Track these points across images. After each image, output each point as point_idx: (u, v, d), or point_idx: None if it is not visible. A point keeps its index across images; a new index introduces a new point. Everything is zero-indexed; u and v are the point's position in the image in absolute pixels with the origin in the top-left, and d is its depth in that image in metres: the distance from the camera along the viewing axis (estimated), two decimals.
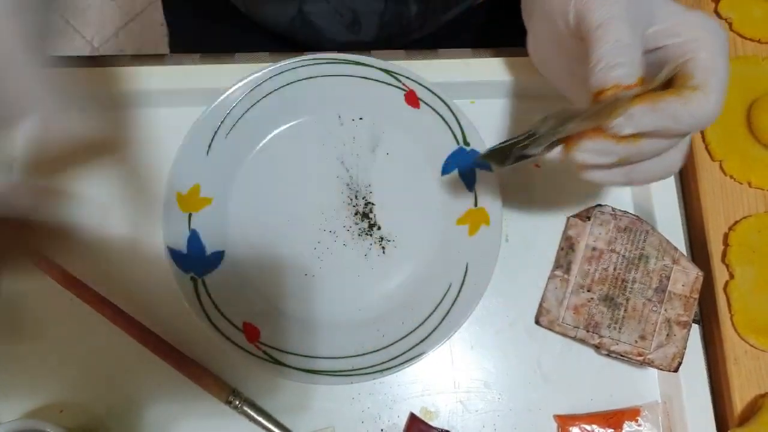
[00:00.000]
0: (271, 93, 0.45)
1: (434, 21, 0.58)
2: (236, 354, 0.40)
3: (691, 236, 0.48)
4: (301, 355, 0.41)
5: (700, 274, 0.43)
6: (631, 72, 0.31)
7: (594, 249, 0.45)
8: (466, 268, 0.43)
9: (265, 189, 0.46)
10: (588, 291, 0.44)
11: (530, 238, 0.47)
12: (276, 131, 0.46)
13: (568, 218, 0.46)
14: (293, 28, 0.57)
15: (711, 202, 0.47)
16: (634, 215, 0.45)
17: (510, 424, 0.43)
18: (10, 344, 0.43)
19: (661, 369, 0.42)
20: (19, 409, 0.41)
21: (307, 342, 0.42)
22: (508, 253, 0.46)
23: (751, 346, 0.44)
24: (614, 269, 0.44)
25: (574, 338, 0.44)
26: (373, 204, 0.46)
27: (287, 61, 0.45)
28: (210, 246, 0.43)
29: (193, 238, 0.43)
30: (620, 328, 0.43)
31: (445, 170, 0.46)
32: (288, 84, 0.45)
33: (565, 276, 0.45)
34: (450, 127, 0.45)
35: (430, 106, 0.45)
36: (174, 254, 0.42)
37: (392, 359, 0.41)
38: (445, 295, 0.43)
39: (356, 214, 0.46)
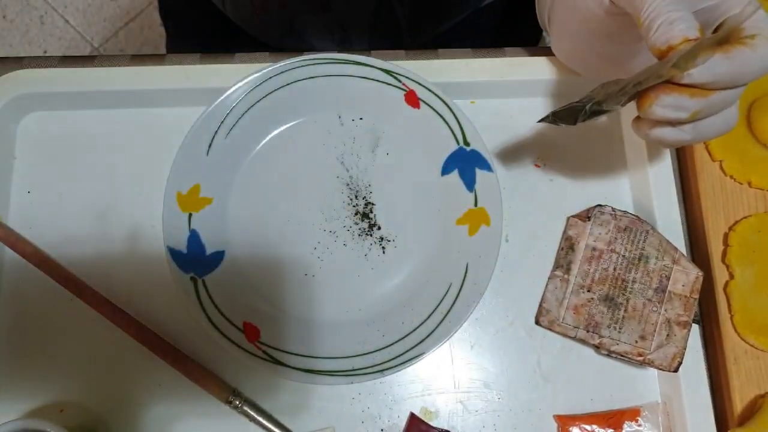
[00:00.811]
0: (271, 93, 0.45)
1: (425, 36, 0.58)
2: (236, 354, 0.40)
3: (691, 236, 0.48)
4: (301, 355, 0.41)
5: (700, 274, 0.43)
6: (692, 24, 0.32)
7: (594, 249, 0.45)
8: (466, 268, 0.43)
9: (265, 189, 0.46)
10: (588, 291, 0.44)
11: (530, 238, 0.47)
12: (276, 131, 0.46)
13: (568, 218, 0.46)
14: (285, 44, 0.57)
15: (711, 202, 0.47)
16: (634, 215, 0.45)
17: (510, 424, 0.43)
18: (10, 344, 0.43)
19: (661, 369, 0.42)
20: (19, 409, 0.41)
21: (307, 342, 0.42)
22: (508, 253, 0.46)
23: (751, 346, 0.44)
24: (614, 269, 0.44)
25: (574, 338, 0.44)
26: (373, 204, 0.46)
27: (287, 61, 0.45)
28: (210, 246, 0.43)
29: (193, 238, 0.43)
30: (620, 328, 0.43)
31: (445, 170, 0.46)
32: (288, 84, 0.45)
33: (565, 276, 0.45)
34: (450, 127, 0.45)
35: (430, 106, 0.45)
36: (174, 254, 0.42)
37: (392, 359, 0.41)
38: (445, 295, 0.43)
39: (356, 214, 0.46)
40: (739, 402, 0.43)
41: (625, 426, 0.43)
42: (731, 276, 0.45)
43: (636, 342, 0.43)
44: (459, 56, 0.48)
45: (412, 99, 0.45)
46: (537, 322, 0.45)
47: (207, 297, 0.42)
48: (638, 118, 0.35)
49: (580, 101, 0.36)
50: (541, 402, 0.44)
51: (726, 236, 0.46)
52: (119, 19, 1.40)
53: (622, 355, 0.43)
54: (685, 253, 0.45)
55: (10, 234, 0.44)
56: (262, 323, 0.42)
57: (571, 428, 0.43)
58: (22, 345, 0.43)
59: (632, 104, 0.35)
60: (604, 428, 0.43)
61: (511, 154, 0.48)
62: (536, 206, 0.47)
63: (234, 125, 0.45)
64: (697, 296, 0.43)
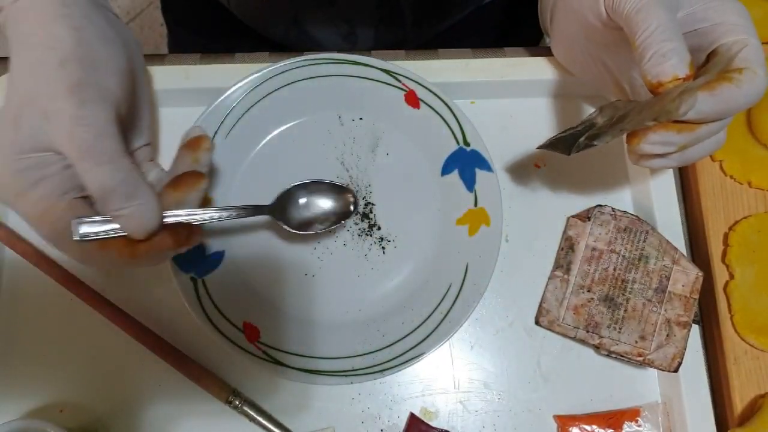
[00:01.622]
0: (271, 93, 0.45)
1: (430, 30, 0.58)
2: (236, 354, 0.40)
3: (691, 236, 0.48)
4: (301, 355, 0.41)
5: (700, 274, 0.43)
6: (683, 58, 0.33)
7: (594, 249, 0.45)
8: (466, 268, 0.43)
9: (265, 189, 0.45)
10: (588, 291, 0.44)
11: (530, 238, 0.47)
12: (276, 131, 0.46)
13: (568, 218, 0.46)
14: (289, 38, 0.57)
15: (711, 202, 0.47)
16: (634, 215, 0.45)
17: (510, 424, 0.43)
18: (10, 344, 0.43)
19: (661, 369, 0.42)
20: (19, 409, 0.41)
21: (307, 342, 0.42)
22: (508, 253, 0.46)
23: (751, 346, 0.44)
24: (614, 269, 0.44)
25: (574, 338, 0.44)
26: (373, 204, 0.46)
27: (287, 61, 0.45)
28: (210, 246, 0.43)
29: None
30: (620, 329, 0.43)
31: (445, 170, 0.46)
32: (288, 84, 0.45)
33: (565, 276, 0.45)
34: (450, 127, 0.45)
35: (430, 106, 0.45)
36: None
37: (392, 359, 0.41)
38: (445, 295, 0.43)
39: (356, 214, 0.46)
40: (739, 402, 0.43)
41: (625, 426, 0.43)
42: (731, 276, 0.45)
43: (636, 342, 0.43)
44: (459, 56, 0.48)
45: (412, 99, 0.45)
46: (537, 322, 0.45)
47: (207, 297, 0.42)
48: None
49: (577, 128, 0.37)
50: (541, 402, 0.44)
51: (726, 236, 0.46)
52: None
53: (622, 355, 0.43)
54: (685, 253, 0.45)
55: (10, 234, 0.44)
56: (262, 323, 0.42)
57: (571, 428, 0.43)
58: (22, 345, 0.43)
59: None
60: (604, 428, 0.43)
61: (511, 154, 0.48)
62: (536, 206, 0.47)
63: (234, 125, 0.45)
64: (697, 296, 0.43)
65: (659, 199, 0.46)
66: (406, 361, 0.41)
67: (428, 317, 0.43)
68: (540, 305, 0.45)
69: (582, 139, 0.36)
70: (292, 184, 0.42)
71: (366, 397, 0.43)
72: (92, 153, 0.30)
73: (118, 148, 0.31)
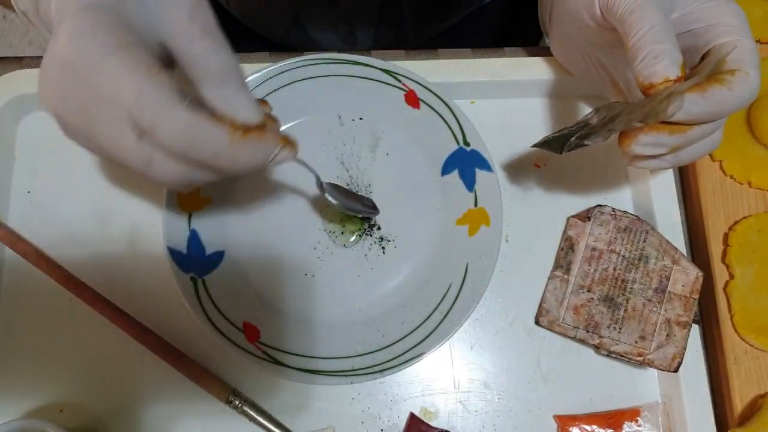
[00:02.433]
0: (270, 93, 0.45)
1: (430, 31, 0.58)
2: (236, 354, 0.40)
3: (691, 236, 0.48)
4: (301, 355, 0.41)
5: (700, 274, 0.43)
6: (675, 59, 0.32)
7: (594, 249, 0.45)
8: (466, 268, 0.43)
9: (265, 189, 0.46)
10: (588, 291, 0.44)
11: (530, 238, 0.47)
12: None
13: (568, 218, 0.46)
14: (289, 39, 0.57)
15: (711, 202, 0.47)
16: (634, 215, 0.45)
17: (510, 424, 0.43)
18: (10, 344, 0.43)
19: (661, 369, 0.42)
20: (19, 409, 0.41)
21: (307, 342, 0.42)
22: (508, 253, 0.46)
23: (751, 346, 0.44)
24: (614, 269, 0.44)
25: (574, 338, 0.44)
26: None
27: (287, 61, 0.45)
28: (210, 246, 0.43)
29: (193, 238, 0.43)
30: (620, 329, 0.43)
31: (445, 170, 0.46)
32: (288, 84, 0.45)
33: (565, 276, 0.45)
34: (450, 127, 0.45)
35: (430, 106, 0.45)
36: (174, 254, 0.42)
37: (392, 359, 0.41)
38: (445, 295, 0.43)
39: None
40: (739, 402, 0.43)
41: (625, 426, 0.43)
42: (731, 276, 0.45)
43: (636, 342, 0.43)
44: (459, 56, 0.48)
45: (412, 99, 0.45)
46: (537, 322, 0.45)
47: (207, 297, 0.42)
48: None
49: (572, 127, 0.37)
50: (541, 402, 0.44)
51: (726, 236, 0.46)
52: None
53: (622, 355, 0.43)
54: (685, 253, 0.45)
55: (10, 234, 0.44)
56: (262, 323, 0.42)
57: (571, 428, 0.43)
58: (22, 345, 0.43)
59: None
60: (604, 428, 0.43)
61: (511, 154, 0.48)
62: (536, 206, 0.47)
63: None
64: (697, 296, 0.43)
65: (659, 199, 0.46)
66: (406, 361, 0.41)
67: (428, 317, 0.43)
68: (540, 305, 0.45)
69: (573, 138, 0.36)
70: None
71: (366, 397, 0.43)
72: (215, 34, 0.29)
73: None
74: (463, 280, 0.43)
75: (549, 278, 0.45)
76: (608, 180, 0.48)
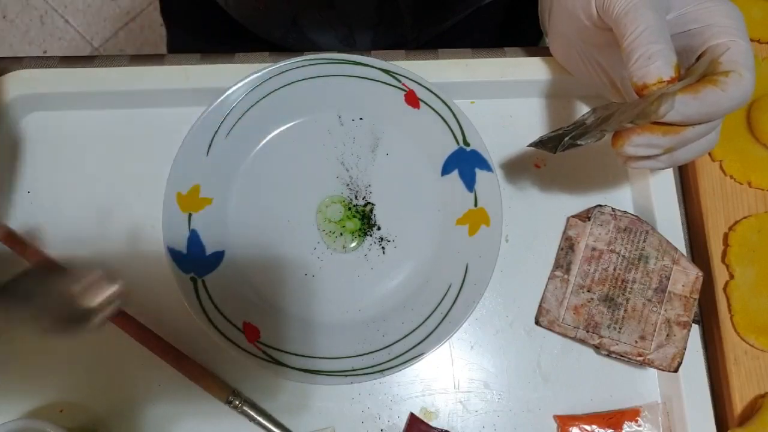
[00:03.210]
0: (271, 93, 0.45)
1: (429, 32, 0.58)
2: (236, 354, 0.40)
3: (691, 236, 0.48)
4: (301, 355, 0.41)
5: (700, 274, 0.43)
6: (669, 60, 0.32)
7: (594, 249, 0.45)
8: (466, 268, 0.43)
9: (265, 189, 0.46)
10: (588, 291, 0.44)
11: (530, 238, 0.47)
12: (276, 131, 0.46)
13: (568, 218, 0.46)
14: (288, 41, 0.57)
15: (711, 202, 0.47)
16: (634, 215, 0.45)
17: (510, 424, 0.43)
18: (10, 344, 0.43)
19: (661, 369, 0.42)
20: (19, 409, 0.41)
21: (307, 342, 0.42)
22: (508, 253, 0.46)
23: (751, 346, 0.44)
24: (614, 269, 0.44)
25: (574, 338, 0.44)
26: (373, 204, 0.46)
27: (287, 61, 0.45)
28: (210, 246, 0.43)
29: (193, 238, 0.43)
30: (620, 329, 0.43)
31: (445, 170, 0.46)
32: (288, 84, 0.45)
33: (565, 276, 0.45)
34: (450, 127, 0.45)
35: (430, 106, 0.45)
36: (174, 254, 0.42)
37: (392, 359, 0.41)
38: (445, 295, 0.43)
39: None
40: (739, 402, 0.43)
41: (625, 426, 0.43)
42: (731, 276, 0.45)
43: (636, 342, 0.43)
44: (459, 56, 0.48)
45: (412, 99, 0.45)
46: (537, 322, 0.45)
47: (207, 297, 0.42)
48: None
49: (568, 127, 0.37)
50: (541, 402, 0.44)
51: (726, 236, 0.46)
52: (119, 19, 1.40)
53: (622, 355, 0.43)
54: (685, 253, 0.45)
55: (11, 234, 0.44)
56: (262, 323, 0.42)
57: (571, 428, 0.43)
58: (22, 345, 0.43)
59: None
60: (604, 428, 0.43)
61: (511, 154, 0.48)
62: (536, 206, 0.47)
63: (234, 125, 0.45)
64: (697, 296, 0.43)
65: (659, 199, 0.46)
66: (406, 361, 0.41)
67: (428, 317, 0.43)
68: (540, 305, 0.45)
69: (567, 138, 0.36)
70: None
71: (366, 397, 0.43)
72: None
73: None
74: (463, 280, 0.43)
75: (549, 278, 0.45)
76: (608, 180, 0.48)
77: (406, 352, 0.41)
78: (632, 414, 0.43)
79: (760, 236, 0.45)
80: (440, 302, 0.43)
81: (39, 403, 0.42)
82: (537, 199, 0.47)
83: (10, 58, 0.48)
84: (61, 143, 0.47)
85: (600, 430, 0.43)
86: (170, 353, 0.42)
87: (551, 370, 0.44)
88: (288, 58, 0.45)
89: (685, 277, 0.43)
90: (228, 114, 0.44)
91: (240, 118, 0.45)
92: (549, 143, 0.38)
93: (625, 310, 0.43)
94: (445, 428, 0.43)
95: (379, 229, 0.45)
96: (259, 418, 0.41)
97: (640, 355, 0.42)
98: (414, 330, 0.42)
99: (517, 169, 0.48)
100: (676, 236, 0.45)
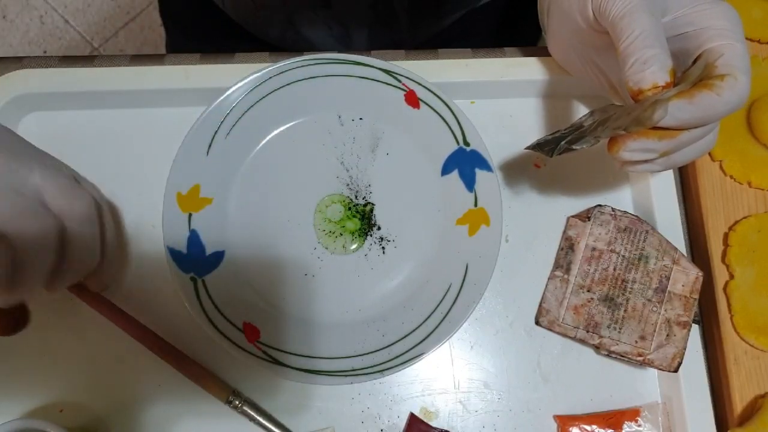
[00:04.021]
0: (270, 93, 0.45)
1: (426, 31, 0.58)
2: (236, 354, 0.40)
3: (691, 236, 0.48)
4: (301, 355, 0.41)
5: (700, 274, 0.43)
6: (664, 65, 0.32)
7: (594, 249, 0.45)
8: (466, 268, 0.43)
9: (265, 189, 0.46)
10: (588, 291, 0.44)
11: (530, 238, 0.47)
12: (276, 131, 0.46)
13: (568, 218, 0.46)
14: (285, 41, 0.57)
15: (711, 202, 0.47)
16: (634, 215, 0.45)
17: (510, 424, 0.43)
18: (10, 344, 0.43)
19: (661, 369, 0.42)
20: (19, 409, 0.41)
21: (307, 342, 0.42)
22: (508, 253, 0.46)
23: (751, 346, 0.44)
24: (614, 269, 0.44)
25: (574, 338, 0.44)
26: (373, 204, 0.46)
27: (287, 61, 0.45)
28: (210, 246, 0.43)
29: (193, 238, 0.43)
30: (620, 329, 0.43)
31: (445, 170, 0.46)
32: (288, 84, 0.45)
33: (565, 276, 0.45)
34: (450, 127, 0.45)
35: (430, 107, 0.45)
36: (174, 254, 0.42)
37: (392, 359, 0.41)
38: (445, 295, 0.43)
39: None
40: (739, 402, 0.43)
41: (625, 426, 0.43)
42: (731, 276, 0.45)
43: (636, 342, 0.43)
44: (459, 56, 0.48)
45: (412, 99, 0.45)
46: (537, 322, 0.45)
47: (207, 297, 0.42)
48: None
49: (565, 130, 0.37)
50: (541, 402, 0.44)
51: (726, 236, 0.46)
52: (119, 19, 1.40)
53: (622, 355, 0.43)
54: (685, 253, 0.45)
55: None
56: (262, 323, 0.42)
57: (571, 428, 0.43)
58: (22, 345, 0.43)
59: None
60: (604, 428, 0.43)
61: (511, 155, 0.48)
62: (536, 206, 0.47)
63: (234, 125, 0.45)
64: (697, 296, 0.43)
65: (659, 199, 0.46)
66: (406, 361, 0.41)
67: (428, 317, 0.43)
68: (540, 305, 0.45)
69: (563, 142, 0.36)
70: None
71: (366, 397, 0.43)
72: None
73: None
74: (463, 280, 0.43)
75: (549, 278, 0.45)
76: (608, 180, 0.48)
77: (406, 352, 0.41)
78: (632, 414, 0.43)
79: (760, 236, 0.45)
80: (440, 302, 0.43)
81: (39, 403, 0.42)
82: (537, 199, 0.47)
83: (10, 58, 0.48)
84: (61, 143, 0.46)
85: (600, 430, 0.43)
86: (170, 353, 0.42)
87: (551, 370, 0.44)
88: (288, 58, 0.45)
89: (685, 277, 0.43)
90: (228, 114, 0.44)
91: (240, 118, 0.45)
92: (546, 146, 0.38)
93: (625, 310, 0.43)
94: (445, 428, 0.43)
95: (379, 229, 0.45)
96: (259, 418, 0.41)
97: (640, 355, 0.42)
98: (414, 330, 0.42)
99: (517, 169, 0.48)
100: (676, 236, 0.45)
